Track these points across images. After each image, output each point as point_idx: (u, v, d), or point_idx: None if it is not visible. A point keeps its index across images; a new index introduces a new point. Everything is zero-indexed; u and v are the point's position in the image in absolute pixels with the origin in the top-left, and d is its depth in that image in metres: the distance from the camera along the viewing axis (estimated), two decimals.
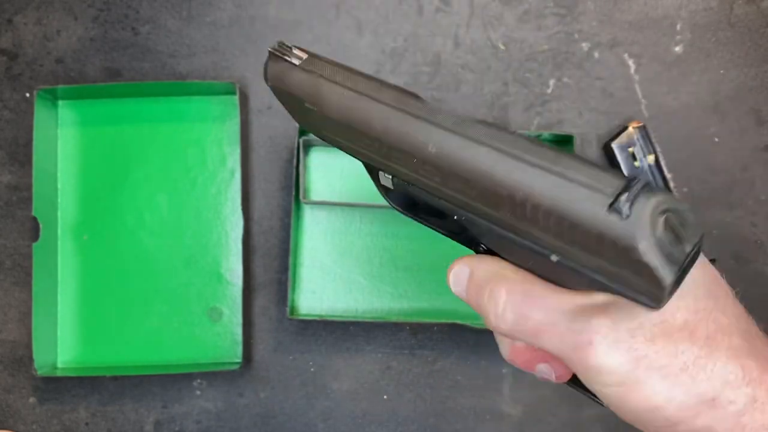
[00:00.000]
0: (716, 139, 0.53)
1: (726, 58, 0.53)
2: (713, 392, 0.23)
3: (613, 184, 0.21)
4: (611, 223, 0.21)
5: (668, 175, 0.53)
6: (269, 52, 0.29)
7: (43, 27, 0.54)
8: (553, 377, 0.28)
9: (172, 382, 0.53)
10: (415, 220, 0.31)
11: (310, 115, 0.29)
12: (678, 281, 0.21)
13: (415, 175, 0.26)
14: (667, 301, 0.21)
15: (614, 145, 0.51)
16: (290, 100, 0.29)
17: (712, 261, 0.54)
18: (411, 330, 0.53)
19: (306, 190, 0.53)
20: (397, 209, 0.31)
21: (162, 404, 0.53)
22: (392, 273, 0.53)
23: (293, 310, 0.53)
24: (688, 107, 0.53)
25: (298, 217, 0.53)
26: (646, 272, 0.20)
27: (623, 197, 0.20)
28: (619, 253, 0.21)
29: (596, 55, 0.54)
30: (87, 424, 0.53)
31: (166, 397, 0.53)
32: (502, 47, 0.54)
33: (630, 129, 0.52)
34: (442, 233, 0.31)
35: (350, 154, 0.29)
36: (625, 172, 0.51)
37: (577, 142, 0.53)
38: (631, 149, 0.51)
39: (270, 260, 0.54)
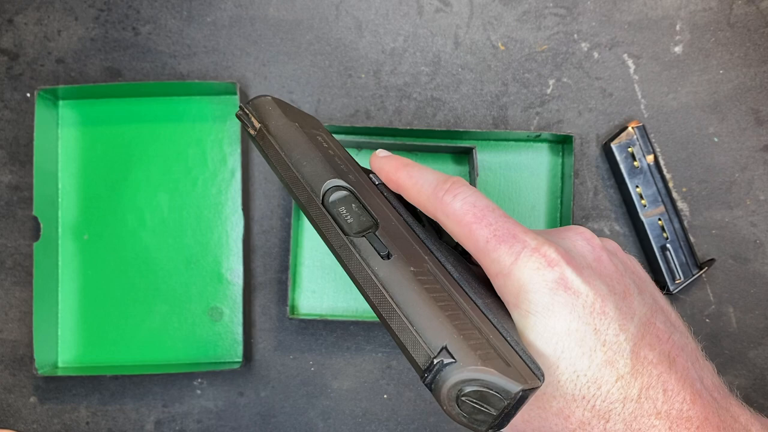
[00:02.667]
0: (715, 139, 0.53)
1: (725, 58, 0.53)
2: None
3: (424, 357, 0.24)
4: (426, 387, 0.24)
5: (667, 175, 0.53)
6: (237, 115, 0.32)
7: (43, 27, 0.54)
8: None
9: (172, 381, 0.53)
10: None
11: None
12: (501, 424, 0.23)
13: None
14: (504, 427, 0.23)
15: (613, 145, 0.52)
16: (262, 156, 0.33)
17: (712, 261, 0.55)
18: None
19: None
20: None
21: (162, 403, 0.53)
22: None
23: (293, 309, 0.53)
24: (688, 107, 0.53)
25: (299, 217, 0.53)
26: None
27: (426, 376, 0.23)
28: (441, 407, 0.23)
29: (596, 55, 0.54)
30: (88, 423, 0.54)
31: (166, 396, 0.53)
32: (502, 47, 0.54)
33: (629, 129, 0.52)
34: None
35: None
36: (625, 172, 0.51)
37: (576, 142, 0.53)
38: (630, 149, 0.52)
39: (270, 260, 0.54)
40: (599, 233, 0.54)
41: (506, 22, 0.54)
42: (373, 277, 0.26)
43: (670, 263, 0.51)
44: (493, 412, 0.22)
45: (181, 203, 0.54)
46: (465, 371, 0.22)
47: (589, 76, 0.54)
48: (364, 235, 0.27)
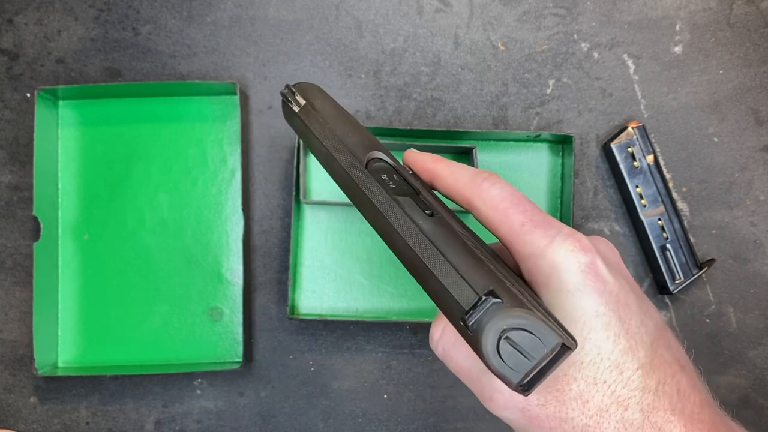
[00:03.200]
0: (715, 139, 0.53)
1: (725, 58, 0.53)
2: None
3: (468, 297, 0.24)
4: (464, 331, 0.24)
5: (667, 175, 0.53)
6: (281, 93, 0.33)
7: (43, 27, 0.54)
8: None
9: (172, 381, 0.53)
10: None
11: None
12: (531, 382, 0.23)
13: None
14: (529, 393, 0.23)
15: (613, 145, 0.52)
16: (298, 134, 0.35)
17: (711, 261, 0.55)
18: (411, 329, 0.53)
19: (306, 190, 0.53)
20: None
21: (162, 403, 0.53)
22: (392, 273, 0.53)
23: (293, 309, 0.53)
24: (687, 107, 0.53)
25: (298, 217, 0.53)
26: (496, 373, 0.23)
27: (468, 315, 0.23)
28: (476, 352, 0.23)
29: (595, 55, 0.54)
30: (87, 423, 0.54)
31: (166, 396, 0.53)
32: (502, 47, 0.54)
33: (629, 129, 0.52)
34: None
35: None
36: (625, 172, 0.52)
37: (576, 142, 0.53)
38: (630, 149, 0.52)
39: (270, 260, 0.54)
40: (599, 233, 0.54)
41: (506, 22, 0.54)
42: (418, 229, 0.26)
43: (670, 263, 0.51)
44: (531, 361, 0.22)
45: (181, 203, 0.54)
46: (513, 311, 0.22)
47: (589, 76, 0.54)
48: (407, 196, 0.28)
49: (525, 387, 0.22)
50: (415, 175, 0.32)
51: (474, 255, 0.25)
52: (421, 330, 0.53)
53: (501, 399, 0.27)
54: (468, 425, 0.53)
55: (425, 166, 0.32)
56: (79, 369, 0.53)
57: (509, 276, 0.26)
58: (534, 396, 0.26)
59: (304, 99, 0.33)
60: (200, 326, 0.53)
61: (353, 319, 0.52)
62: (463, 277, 0.24)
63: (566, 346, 0.22)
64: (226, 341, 0.53)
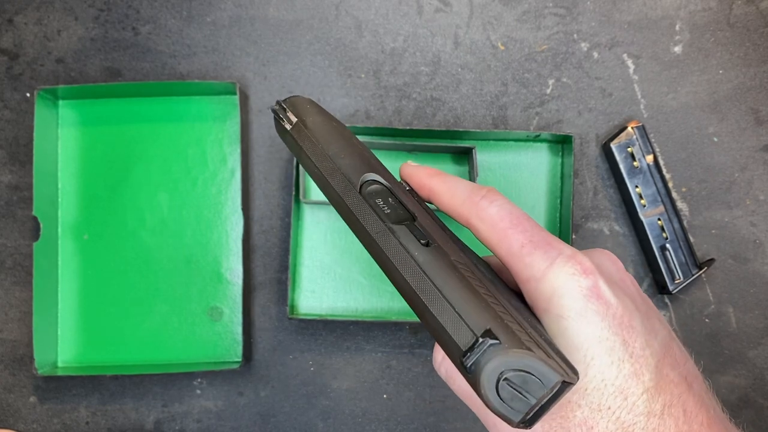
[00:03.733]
0: (715, 139, 0.53)
1: (725, 58, 0.53)
2: None
3: (465, 338, 0.23)
4: (462, 370, 0.23)
5: (667, 175, 0.53)
6: (272, 110, 0.33)
7: (43, 27, 0.54)
8: None
9: (172, 381, 0.53)
10: None
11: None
12: (532, 420, 0.23)
13: None
14: (531, 427, 0.23)
15: (613, 145, 0.52)
16: (291, 151, 0.34)
17: (711, 261, 0.55)
18: (411, 329, 0.53)
19: (306, 190, 0.53)
20: None
21: (162, 403, 0.53)
22: None
23: (293, 309, 0.53)
24: (687, 107, 0.53)
25: (298, 217, 0.53)
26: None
27: (465, 358, 0.23)
28: (476, 392, 0.23)
29: (595, 55, 0.54)
30: (87, 423, 0.54)
31: (166, 396, 0.53)
32: (502, 47, 0.54)
33: (629, 129, 0.52)
34: None
35: None
36: (624, 172, 0.52)
37: (576, 141, 0.53)
38: (630, 149, 0.52)
39: (270, 260, 0.54)
40: (599, 233, 0.54)
41: (506, 22, 0.54)
42: (413, 261, 0.26)
43: (669, 263, 0.51)
44: (531, 401, 0.22)
45: (181, 203, 0.54)
46: (510, 353, 0.22)
47: (588, 76, 0.54)
48: (403, 224, 0.27)
49: (526, 424, 0.22)
50: (412, 191, 0.31)
51: (471, 289, 0.25)
52: (421, 330, 0.53)
53: (505, 428, 0.27)
54: (468, 425, 0.53)
55: (421, 182, 0.31)
56: (78, 369, 0.53)
57: (509, 306, 0.25)
58: (538, 425, 0.26)
59: (296, 116, 0.32)
60: (200, 326, 0.53)
61: (353, 318, 0.52)
62: (460, 316, 0.24)
63: (567, 382, 0.22)
64: (225, 341, 0.53)
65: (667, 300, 0.53)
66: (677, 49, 0.54)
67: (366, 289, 0.53)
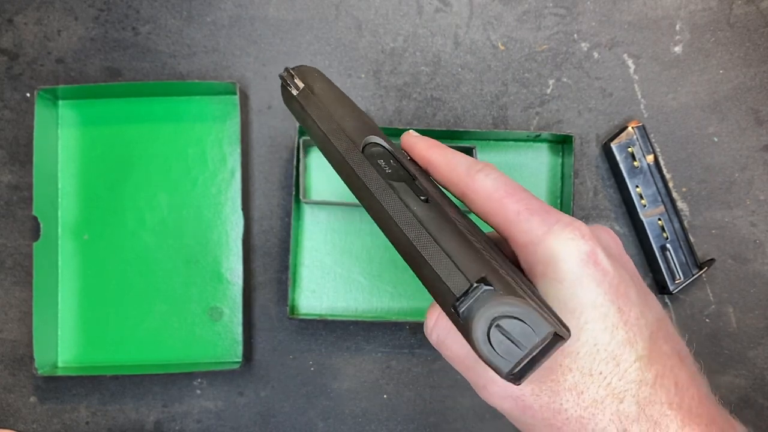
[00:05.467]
0: (715, 139, 0.53)
1: (725, 58, 0.53)
2: None
3: (459, 284, 0.23)
4: (455, 318, 0.23)
5: (667, 175, 0.53)
6: (280, 76, 0.33)
7: (43, 27, 0.54)
8: None
9: (172, 381, 0.53)
10: None
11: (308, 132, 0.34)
12: (523, 371, 0.22)
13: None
14: (520, 383, 0.23)
15: (613, 145, 0.52)
16: (296, 118, 0.34)
17: (711, 261, 0.55)
18: (411, 329, 0.53)
19: (306, 190, 0.53)
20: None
21: (162, 403, 0.53)
22: (392, 272, 0.53)
23: (293, 309, 0.53)
24: (687, 107, 0.53)
25: (298, 217, 0.53)
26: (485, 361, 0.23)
27: (459, 303, 0.23)
28: (468, 340, 0.23)
29: (595, 55, 0.54)
30: (87, 423, 0.54)
31: (166, 396, 0.53)
32: (502, 47, 0.54)
33: (629, 129, 0.52)
34: None
35: None
36: (625, 172, 0.51)
37: (576, 141, 0.53)
38: (630, 149, 0.52)
39: (270, 260, 0.54)
40: None
41: (506, 22, 0.54)
42: (411, 214, 0.26)
43: (670, 263, 0.51)
44: (522, 350, 0.22)
45: (181, 203, 0.54)
46: (504, 299, 0.22)
47: (589, 76, 0.54)
48: (403, 182, 0.28)
49: (516, 376, 0.22)
50: (412, 160, 0.32)
51: (467, 242, 0.25)
52: (421, 330, 0.53)
53: (495, 388, 0.27)
54: (468, 425, 0.53)
55: (421, 154, 0.31)
56: (78, 369, 0.53)
57: (504, 264, 0.25)
58: (528, 386, 0.26)
59: (303, 82, 0.32)
60: (200, 326, 0.53)
61: (353, 318, 0.52)
62: (455, 264, 0.24)
63: (558, 335, 0.22)
64: (225, 341, 0.53)
65: (667, 300, 0.53)
66: (677, 49, 0.54)
67: (366, 289, 0.53)
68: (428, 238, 0.25)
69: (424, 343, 0.53)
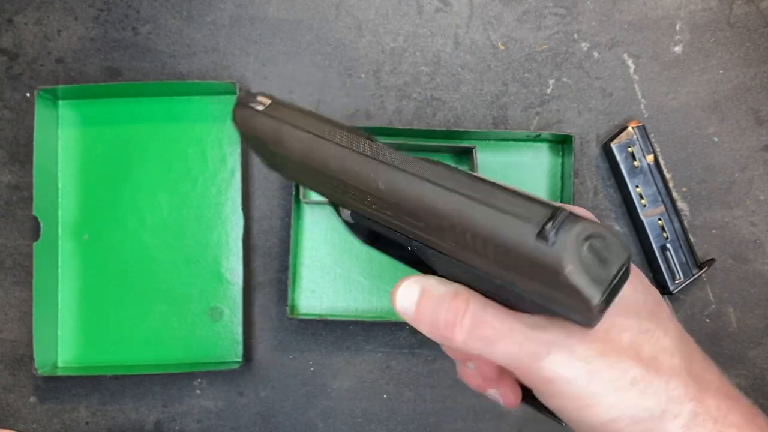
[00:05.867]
0: (715, 139, 0.53)
1: (725, 58, 0.53)
2: (660, 407, 0.25)
3: (540, 213, 0.22)
4: (540, 249, 0.22)
5: (667, 175, 0.53)
6: (237, 99, 0.31)
7: (43, 27, 0.54)
8: (501, 401, 0.30)
9: (172, 381, 0.53)
10: (376, 249, 0.32)
11: (274, 157, 0.31)
12: (607, 300, 0.22)
13: (370, 210, 0.28)
14: (599, 319, 0.22)
15: (613, 145, 0.52)
16: (256, 143, 0.31)
17: (711, 261, 0.55)
18: (411, 329, 0.53)
19: (306, 190, 0.53)
20: (359, 240, 0.33)
21: (162, 403, 0.53)
22: (392, 272, 0.53)
23: (293, 309, 0.53)
24: (688, 107, 0.53)
25: (298, 217, 0.53)
26: (574, 293, 0.22)
27: (548, 225, 0.22)
28: (549, 277, 0.22)
29: (596, 55, 0.54)
30: (87, 423, 0.54)
31: (166, 396, 0.53)
32: (502, 47, 0.54)
33: (629, 129, 0.52)
34: (402, 262, 0.32)
35: (313, 191, 0.31)
36: (625, 172, 0.51)
37: (576, 141, 0.53)
38: (630, 149, 0.52)
39: (270, 260, 0.54)
40: None
41: (506, 22, 0.54)
42: (455, 172, 0.25)
43: (670, 263, 0.51)
44: (611, 270, 0.22)
45: (181, 203, 0.54)
46: (589, 221, 0.22)
47: (589, 75, 0.54)
48: (425, 162, 0.26)
49: (603, 305, 0.22)
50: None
51: (512, 190, 0.24)
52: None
53: (559, 354, 0.25)
54: (468, 425, 0.53)
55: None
56: (78, 369, 0.53)
57: None
58: (592, 346, 0.25)
59: (269, 99, 0.30)
60: (200, 326, 0.53)
61: (353, 318, 0.52)
62: (527, 198, 0.23)
63: (629, 260, 0.22)
64: (225, 341, 0.53)
65: (667, 300, 0.53)
66: (677, 49, 0.54)
67: (366, 289, 0.53)
68: (487, 184, 0.24)
69: (424, 343, 0.53)
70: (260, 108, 0.30)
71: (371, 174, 0.27)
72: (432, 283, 0.28)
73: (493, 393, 0.30)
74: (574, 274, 0.21)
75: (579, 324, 0.24)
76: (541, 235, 0.22)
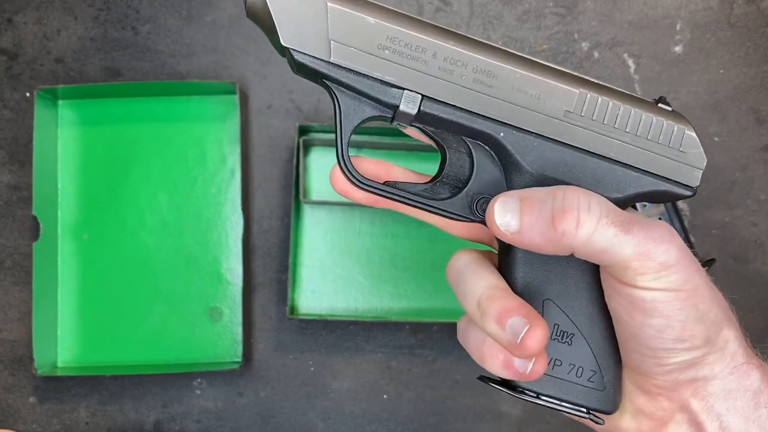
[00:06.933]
0: (716, 139, 0.53)
1: (725, 58, 0.53)
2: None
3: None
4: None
5: None
6: None
7: (43, 27, 0.54)
8: (523, 332, 0.25)
9: (172, 381, 0.53)
10: (430, 137, 0.29)
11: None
12: None
13: (462, 86, 0.27)
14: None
15: None
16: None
17: (712, 261, 0.55)
18: (411, 329, 0.53)
19: (306, 190, 0.53)
20: (414, 126, 0.29)
21: (162, 404, 0.53)
22: (392, 273, 0.53)
23: (293, 309, 0.53)
24: (688, 107, 0.53)
25: (298, 217, 0.53)
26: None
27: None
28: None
29: (596, 54, 0.54)
30: (87, 423, 0.53)
31: (166, 396, 0.53)
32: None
33: None
34: (442, 165, 0.29)
35: (356, 89, 0.27)
36: None
37: None
38: None
39: (270, 260, 0.54)
40: None
41: (506, 22, 0.54)
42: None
43: None
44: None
45: (180, 203, 0.54)
46: None
47: (589, 75, 0.54)
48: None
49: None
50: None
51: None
52: (421, 330, 0.53)
53: (681, 243, 0.25)
54: (468, 425, 0.53)
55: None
56: (78, 369, 0.53)
57: None
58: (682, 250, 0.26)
59: None
60: (200, 326, 0.53)
61: (353, 319, 0.52)
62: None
63: None
64: (225, 341, 0.53)
65: None
66: (678, 48, 0.54)
67: (366, 289, 0.53)
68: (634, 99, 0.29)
69: (424, 343, 0.53)
70: None
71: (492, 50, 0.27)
72: (527, 190, 0.26)
73: (515, 321, 0.25)
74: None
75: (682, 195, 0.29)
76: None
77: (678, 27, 0.54)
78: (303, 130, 0.52)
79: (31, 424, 0.54)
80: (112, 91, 0.53)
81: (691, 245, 0.52)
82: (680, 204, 0.53)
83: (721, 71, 0.53)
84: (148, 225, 0.54)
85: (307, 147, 0.53)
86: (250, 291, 0.53)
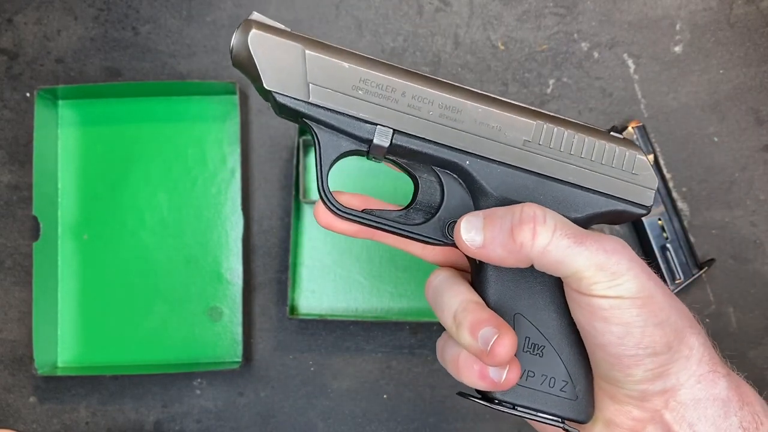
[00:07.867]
0: (715, 139, 0.53)
1: (725, 58, 0.53)
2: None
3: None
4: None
5: (667, 175, 0.53)
6: (245, 21, 0.31)
7: (43, 27, 0.54)
8: (492, 340, 0.27)
9: (172, 381, 0.53)
10: (401, 167, 0.32)
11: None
12: None
13: (428, 121, 0.30)
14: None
15: None
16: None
17: (712, 261, 0.55)
18: (411, 329, 0.53)
19: (306, 190, 0.53)
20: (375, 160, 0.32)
21: (162, 404, 0.53)
22: (392, 273, 0.53)
23: (293, 309, 0.53)
24: (688, 107, 0.53)
25: (298, 217, 0.53)
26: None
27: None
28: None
29: (596, 54, 0.54)
30: (87, 423, 0.53)
31: (166, 396, 0.53)
32: (502, 47, 0.54)
33: (629, 129, 0.52)
34: (414, 190, 0.32)
35: (332, 125, 0.30)
36: None
37: None
38: None
39: (270, 260, 0.54)
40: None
41: (506, 22, 0.54)
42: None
43: (670, 263, 0.51)
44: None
45: (180, 203, 0.54)
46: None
47: (589, 75, 0.54)
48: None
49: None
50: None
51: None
52: (421, 330, 0.53)
53: (634, 254, 0.28)
54: (468, 425, 0.53)
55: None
56: (78, 369, 0.53)
57: None
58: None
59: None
60: (200, 326, 0.53)
61: (353, 318, 0.52)
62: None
63: None
64: (225, 341, 0.53)
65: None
66: (677, 48, 0.54)
67: (366, 289, 0.53)
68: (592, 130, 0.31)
69: (425, 343, 0.53)
70: (283, 27, 0.33)
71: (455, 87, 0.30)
72: (490, 209, 0.29)
73: (486, 332, 0.27)
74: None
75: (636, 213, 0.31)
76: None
77: (678, 27, 0.54)
78: (303, 130, 0.52)
79: (31, 424, 0.54)
80: (112, 91, 0.53)
81: (690, 245, 0.52)
82: (680, 204, 0.53)
83: (721, 71, 0.53)
84: (148, 225, 0.54)
85: (307, 147, 0.53)
86: (250, 291, 0.53)
